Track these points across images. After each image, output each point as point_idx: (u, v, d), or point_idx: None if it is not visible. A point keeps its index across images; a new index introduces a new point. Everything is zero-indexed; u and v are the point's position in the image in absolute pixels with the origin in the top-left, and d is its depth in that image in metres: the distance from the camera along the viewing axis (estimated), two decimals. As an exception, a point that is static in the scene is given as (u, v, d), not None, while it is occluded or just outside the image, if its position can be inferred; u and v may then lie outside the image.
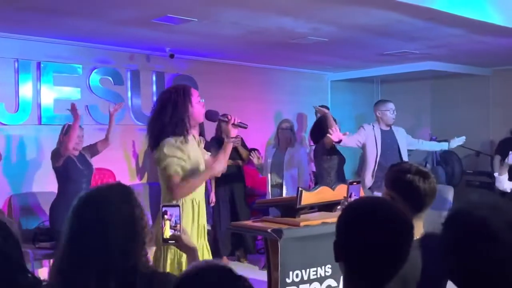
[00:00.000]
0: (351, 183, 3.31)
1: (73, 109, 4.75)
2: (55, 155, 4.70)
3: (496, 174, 5.00)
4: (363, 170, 5.50)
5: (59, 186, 4.76)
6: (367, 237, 1.41)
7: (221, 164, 3.08)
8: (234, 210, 6.15)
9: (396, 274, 1.45)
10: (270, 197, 5.77)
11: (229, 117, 3.11)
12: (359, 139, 5.40)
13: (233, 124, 3.11)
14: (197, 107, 3.07)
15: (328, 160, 5.63)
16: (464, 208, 1.34)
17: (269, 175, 5.89)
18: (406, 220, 1.47)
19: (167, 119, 2.96)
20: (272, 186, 5.87)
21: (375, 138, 5.38)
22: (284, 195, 5.67)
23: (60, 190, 4.75)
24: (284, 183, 5.79)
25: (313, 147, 6.19)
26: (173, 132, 2.97)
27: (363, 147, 5.43)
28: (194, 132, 3.20)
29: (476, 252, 1.23)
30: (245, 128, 3.19)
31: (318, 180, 5.81)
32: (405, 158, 5.33)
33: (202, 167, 3.10)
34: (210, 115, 3.19)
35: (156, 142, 3.01)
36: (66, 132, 4.71)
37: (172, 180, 2.94)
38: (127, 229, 1.65)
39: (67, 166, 4.67)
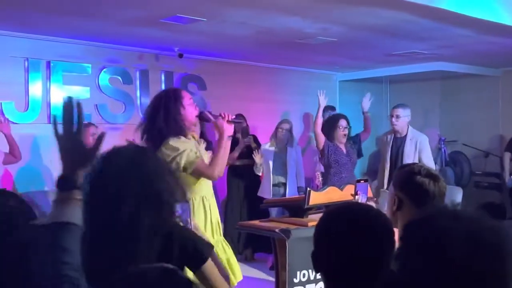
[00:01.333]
0: (358, 181, 3.29)
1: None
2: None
3: None
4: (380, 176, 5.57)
5: None
6: (349, 246, 1.36)
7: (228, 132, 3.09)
8: (249, 209, 6.16)
9: (377, 279, 1.39)
10: (271, 197, 5.82)
11: (223, 114, 3.14)
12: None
13: (228, 121, 3.13)
14: (189, 109, 3.11)
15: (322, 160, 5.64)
16: (424, 216, 1.22)
17: (271, 174, 5.93)
18: (387, 226, 1.43)
19: (162, 123, 3.02)
20: (273, 185, 5.92)
21: (386, 149, 5.49)
22: (287, 194, 5.75)
23: None
24: (287, 182, 5.87)
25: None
26: (171, 134, 3.03)
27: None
28: (194, 133, 3.24)
29: (429, 263, 1.12)
30: (240, 122, 3.20)
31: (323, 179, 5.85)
32: None
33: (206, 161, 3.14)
34: (203, 116, 3.22)
35: (156, 147, 3.02)
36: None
37: (200, 165, 2.98)
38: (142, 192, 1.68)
39: None
